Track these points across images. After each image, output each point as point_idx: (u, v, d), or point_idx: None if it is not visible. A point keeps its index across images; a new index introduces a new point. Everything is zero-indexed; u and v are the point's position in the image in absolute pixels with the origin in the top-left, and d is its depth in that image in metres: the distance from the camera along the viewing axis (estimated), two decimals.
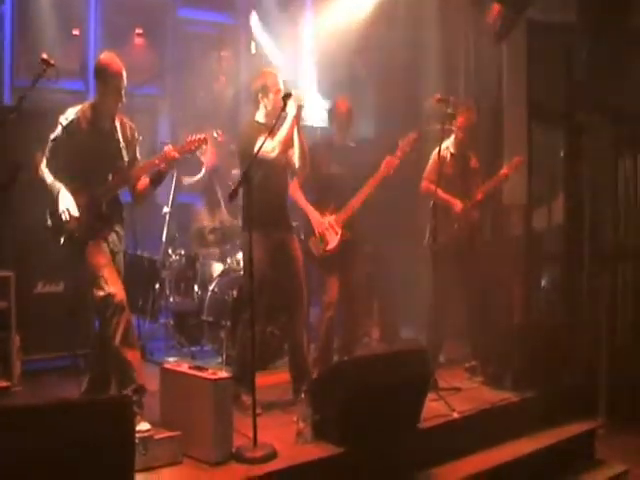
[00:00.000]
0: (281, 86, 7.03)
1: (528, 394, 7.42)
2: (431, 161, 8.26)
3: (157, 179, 6.52)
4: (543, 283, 9.68)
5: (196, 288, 8.95)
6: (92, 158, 6.26)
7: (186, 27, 10.57)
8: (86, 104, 6.40)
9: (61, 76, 6.07)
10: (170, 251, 9.12)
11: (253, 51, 9.91)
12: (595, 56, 8.74)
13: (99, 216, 6.28)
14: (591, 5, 8.70)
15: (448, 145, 8.32)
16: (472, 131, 8.39)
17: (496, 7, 9.14)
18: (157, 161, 6.36)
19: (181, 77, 10.05)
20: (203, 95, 10.40)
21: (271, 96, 7.02)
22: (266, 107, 7.07)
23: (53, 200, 6.25)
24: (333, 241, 7.65)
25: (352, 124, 8.04)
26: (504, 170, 8.37)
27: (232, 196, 5.90)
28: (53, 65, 5.90)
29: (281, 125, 6.82)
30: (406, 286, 9.74)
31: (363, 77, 10.40)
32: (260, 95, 7.10)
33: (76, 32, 9.66)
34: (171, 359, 7.94)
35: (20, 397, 7.04)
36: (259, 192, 6.43)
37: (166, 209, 9.04)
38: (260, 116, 7.12)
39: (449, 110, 7.79)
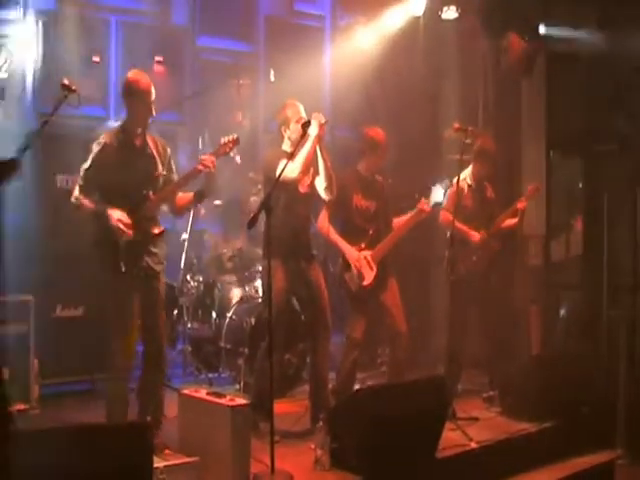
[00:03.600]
0: (303, 114, 7.08)
1: (546, 424, 7.42)
2: (449, 192, 8.23)
3: (200, 195, 6.61)
4: (562, 313, 9.68)
5: (214, 315, 8.98)
6: (128, 176, 6.34)
7: (205, 55, 10.60)
8: (114, 127, 6.54)
9: (82, 102, 6.14)
10: (188, 277, 9.13)
11: (272, 79, 9.92)
12: (614, 86, 8.76)
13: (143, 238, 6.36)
14: (611, 36, 8.73)
15: (466, 176, 8.34)
16: (489, 161, 8.40)
17: (516, 41, 9.17)
18: (196, 169, 6.43)
19: (200, 104, 10.05)
20: (222, 122, 10.41)
21: (292, 126, 7.08)
22: (290, 137, 7.15)
23: (97, 229, 6.30)
24: (369, 277, 7.57)
25: (385, 158, 7.95)
26: (519, 204, 8.38)
27: (251, 223, 5.92)
28: (74, 91, 5.98)
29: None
30: (424, 316, 9.75)
31: (380, 107, 10.40)
32: (283, 127, 7.20)
33: (97, 59, 9.69)
34: (189, 385, 7.98)
35: (38, 420, 7.11)
36: (280, 219, 6.54)
37: (185, 235, 9.05)
38: (286, 146, 7.18)
39: (467, 140, 7.84)
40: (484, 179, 8.49)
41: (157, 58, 10.16)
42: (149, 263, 6.41)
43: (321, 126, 6.83)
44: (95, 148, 6.40)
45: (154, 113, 6.42)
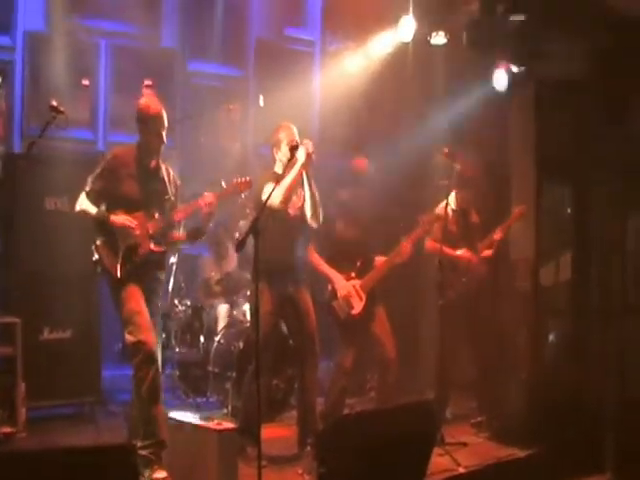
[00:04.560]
0: (296, 138, 7.09)
1: (534, 449, 7.41)
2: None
3: (194, 234, 6.75)
4: (551, 338, 9.66)
5: (202, 339, 8.94)
6: (138, 191, 6.44)
7: (195, 79, 10.61)
8: (132, 145, 6.61)
9: (70, 125, 6.21)
10: (176, 301, 9.15)
11: (261, 104, 9.92)
12: (604, 113, 8.78)
13: (145, 255, 6.42)
14: (601, 63, 8.75)
15: (450, 201, 8.30)
16: (470, 186, 8.40)
17: (503, 63, 9.20)
18: (197, 203, 6.51)
19: (190, 129, 10.08)
20: (212, 147, 10.42)
21: (284, 148, 7.10)
22: (281, 160, 7.18)
23: (99, 233, 6.39)
24: (358, 306, 7.59)
25: (370, 188, 8.00)
26: (496, 235, 8.38)
27: (240, 246, 5.92)
28: (63, 112, 6.08)
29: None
30: (413, 341, 9.73)
31: (371, 131, 10.43)
32: (275, 149, 7.24)
33: (86, 82, 9.69)
34: (176, 410, 7.95)
35: (25, 444, 7.09)
36: (269, 243, 6.48)
37: (173, 259, 9.04)
38: (277, 168, 7.21)
39: (455, 165, 7.86)
40: (467, 204, 8.48)
41: (146, 82, 10.16)
42: (151, 275, 6.54)
43: (308, 155, 6.84)
44: (107, 156, 6.54)
45: (164, 141, 6.51)
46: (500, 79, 9.17)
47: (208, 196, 6.46)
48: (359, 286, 7.62)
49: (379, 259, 7.80)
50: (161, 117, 6.46)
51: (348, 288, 7.59)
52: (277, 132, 7.24)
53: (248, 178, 6.68)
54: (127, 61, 10.03)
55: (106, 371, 8.58)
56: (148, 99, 6.64)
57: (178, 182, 6.77)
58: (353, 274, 7.65)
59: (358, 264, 7.68)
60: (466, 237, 8.39)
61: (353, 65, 10.51)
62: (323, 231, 7.49)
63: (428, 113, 10.09)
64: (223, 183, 7.35)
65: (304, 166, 6.88)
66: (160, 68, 10.23)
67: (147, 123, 6.46)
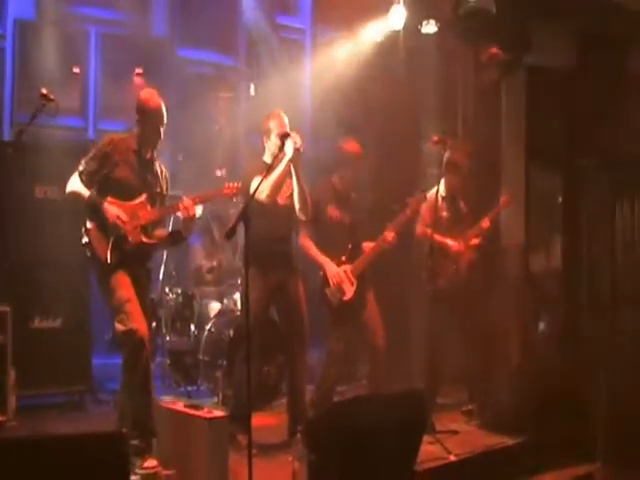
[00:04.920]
0: (286, 126, 7.07)
1: (525, 438, 7.41)
2: (425, 205, 8.19)
3: (175, 237, 6.72)
4: (541, 327, 9.67)
5: (192, 327, 8.97)
6: (132, 179, 6.45)
7: (186, 67, 10.62)
8: (129, 133, 6.59)
9: (60, 112, 6.18)
10: (167, 290, 9.16)
11: (252, 93, 9.92)
12: (594, 101, 8.79)
13: (135, 245, 6.39)
14: (591, 50, 8.76)
15: (439, 189, 8.27)
16: (459, 173, 8.39)
17: (493, 50, 9.19)
18: (177, 205, 6.47)
19: (181, 117, 10.01)
20: (203, 135, 10.39)
21: (273, 137, 7.09)
22: (269, 148, 7.17)
23: (90, 216, 6.34)
24: (350, 291, 7.58)
25: (359, 171, 7.99)
26: (484, 223, 8.38)
27: (230, 234, 5.80)
28: (53, 100, 6.07)
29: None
30: (403, 329, 9.70)
31: (362, 119, 10.41)
32: (264, 137, 7.21)
33: (76, 70, 9.71)
34: (167, 398, 7.93)
35: (15, 432, 7.06)
36: (260, 231, 6.47)
37: None
38: (267, 157, 7.20)
39: (446, 153, 7.84)
40: (456, 191, 8.49)
41: (137, 70, 10.16)
42: (140, 265, 6.52)
43: (297, 149, 6.80)
44: (103, 140, 6.51)
45: (162, 137, 6.52)
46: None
47: (186, 201, 6.42)
48: (350, 271, 7.61)
49: (367, 245, 7.79)
50: (161, 112, 6.47)
51: (340, 274, 7.57)
52: (267, 120, 7.20)
53: (238, 183, 6.66)
54: (117, 49, 10.07)
55: (96, 360, 8.57)
56: (149, 92, 6.59)
57: (169, 179, 6.76)
58: (344, 258, 7.64)
59: (349, 247, 7.68)
60: (456, 224, 8.41)
61: (344, 53, 10.51)
62: (314, 215, 7.46)
63: (419, 101, 10.09)
64: (219, 172, 7.34)
65: (292, 161, 6.86)
66: (150, 56, 10.27)
67: (147, 116, 6.45)
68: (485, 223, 8.36)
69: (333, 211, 7.74)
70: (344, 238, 7.70)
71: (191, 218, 6.46)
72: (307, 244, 7.67)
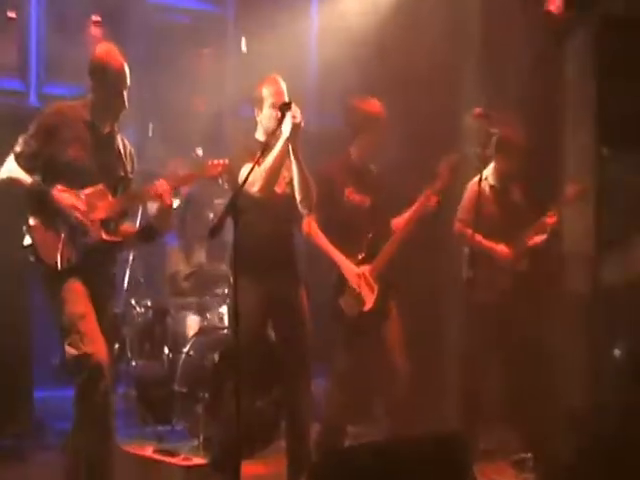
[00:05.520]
0: (284, 96, 7.17)
1: None
2: (466, 196, 8.37)
3: (146, 233, 6.82)
4: (615, 354, 9.70)
5: (166, 350, 9.01)
6: (85, 160, 6.47)
7: (157, 15, 10.63)
8: (81, 101, 6.64)
9: None
10: (133, 302, 9.25)
11: (244, 49, 9.95)
12: None
13: (94, 244, 6.43)
14: None
15: (487, 176, 8.37)
16: (515, 156, 8.42)
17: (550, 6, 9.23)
18: (147, 190, 6.57)
19: (149, 79, 9.91)
20: (178, 104, 10.41)
21: (267, 109, 7.20)
22: (262, 123, 7.27)
23: (33, 210, 6.36)
24: (370, 299, 7.67)
25: (382, 139, 7.96)
26: (549, 218, 8.43)
27: (214, 231, 5.87)
28: None
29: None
30: (433, 352, 9.74)
31: (383, 86, 10.39)
32: (256, 109, 7.29)
33: (12, 15, 9.68)
34: (132, 441, 8.01)
35: None
36: (253, 227, 6.69)
37: None
38: (259, 134, 7.31)
39: (492, 130, 7.95)
40: (510, 179, 8.56)
41: (94, 17, 10.11)
42: (100, 270, 6.58)
43: (295, 125, 6.82)
44: (47, 111, 6.56)
45: (125, 104, 6.57)
46: None
47: (161, 184, 6.50)
48: (369, 272, 7.69)
49: (397, 220, 7.91)
50: (123, 73, 6.52)
51: (359, 276, 7.66)
52: (260, 87, 7.28)
53: (225, 160, 6.78)
54: None
55: (39, 392, 8.69)
56: (108, 47, 6.66)
57: (135, 159, 6.85)
58: (362, 254, 7.73)
59: (369, 237, 7.77)
60: (507, 222, 8.43)
61: (359, 2, 10.59)
62: (327, 198, 7.58)
63: (454, 64, 10.18)
64: (199, 151, 7.40)
65: (290, 139, 6.91)
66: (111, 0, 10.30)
67: (104, 79, 6.49)
68: (551, 218, 8.41)
69: (352, 194, 7.82)
70: (364, 225, 7.78)
71: (168, 208, 6.54)
72: (316, 234, 7.71)
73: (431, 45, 10.10)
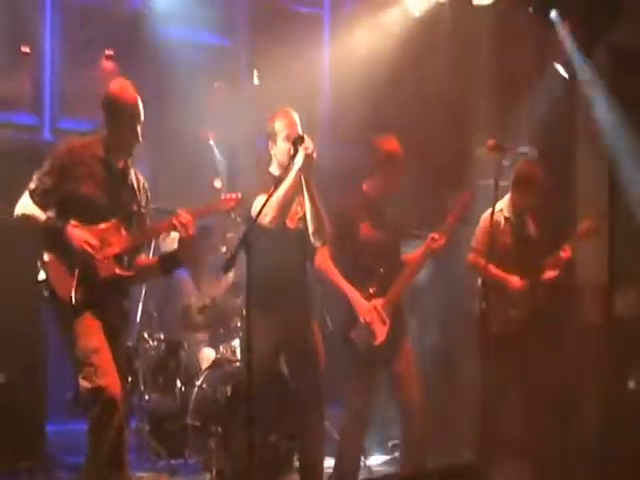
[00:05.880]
0: (298, 128, 7.17)
1: None
2: (480, 227, 8.37)
3: (169, 263, 6.78)
4: (630, 386, 9.65)
5: (179, 383, 9.08)
6: (100, 196, 6.49)
7: (170, 50, 10.52)
8: (94, 137, 6.66)
9: (7, 106, 6.20)
10: (146, 335, 9.22)
11: (256, 81, 9.95)
12: None
13: (108, 279, 6.44)
14: None
15: (502, 207, 8.40)
16: (532, 190, 8.41)
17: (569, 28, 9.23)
18: (170, 223, 6.53)
19: (163, 113, 9.89)
20: (189, 139, 10.40)
21: (281, 143, 7.17)
22: (276, 156, 7.26)
23: (48, 246, 6.38)
24: (382, 333, 7.61)
25: (399, 178, 7.95)
26: (564, 252, 8.41)
27: (228, 266, 6.01)
28: None
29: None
30: (447, 385, 9.79)
31: (393, 118, 10.39)
32: (270, 143, 7.28)
33: (26, 49, 9.69)
34: (145, 475, 8.01)
35: None
36: (266, 261, 6.63)
37: None
38: (273, 167, 7.32)
39: (505, 162, 7.95)
40: (525, 211, 8.57)
41: (107, 52, 10.10)
42: (114, 304, 6.59)
43: (307, 156, 6.79)
44: (61, 148, 6.56)
45: (139, 139, 6.60)
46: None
47: (184, 215, 6.49)
48: (381, 306, 7.66)
49: (408, 256, 7.91)
50: (137, 108, 6.57)
51: (371, 311, 7.62)
52: (272, 121, 7.27)
53: (239, 195, 6.75)
54: (81, 23, 10.08)
55: (52, 426, 8.66)
56: (121, 82, 6.69)
57: (149, 192, 6.86)
58: (373, 289, 7.70)
59: (381, 271, 7.74)
60: (521, 254, 8.44)
61: (374, 32, 10.61)
62: (342, 232, 7.56)
63: (467, 94, 10.17)
64: (217, 183, 7.38)
65: (302, 171, 6.89)
66: (125, 34, 10.31)
67: (119, 115, 6.53)
68: (566, 252, 8.39)
69: (367, 229, 7.78)
70: (377, 260, 7.75)
71: (190, 238, 6.52)
72: (328, 267, 7.69)
73: (443, 76, 10.14)
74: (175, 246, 6.73)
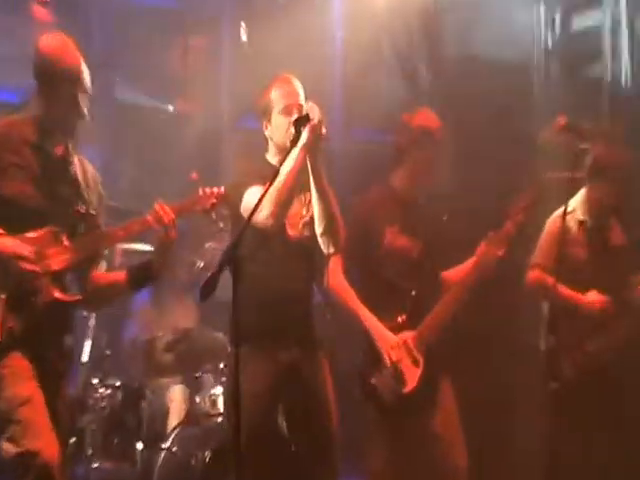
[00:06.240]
0: (300, 99, 6.96)
1: None
2: (545, 235, 8.26)
3: (141, 276, 6.63)
4: None
5: (140, 445, 8.88)
6: (34, 197, 6.30)
7: None
8: (22, 117, 6.52)
9: None
10: (95, 381, 9.06)
11: (244, 39, 9.93)
12: None
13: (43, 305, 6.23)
14: None
15: (575, 207, 8.28)
16: (614, 183, 8.29)
17: None
18: (145, 220, 6.38)
19: (118, 79, 9.96)
20: (156, 115, 10.36)
21: (277, 117, 7.00)
22: (272, 139, 7.08)
23: None
24: (413, 378, 7.49)
25: (438, 162, 7.81)
26: None
27: (208, 288, 5.57)
28: None
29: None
30: (500, 445, 9.75)
31: (430, 90, 10.38)
32: (264, 120, 7.09)
33: None
34: None
35: None
36: (259, 282, 6.59)
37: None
38: (271, 155, 7.13)
39: (582, 145, 7.72)
40: (607, 211, 8.44)
41: None
42: (51, 341, 6.38)
43: (313, 127, 6.53)
44: None
45: (84, 114, 6.40)
46: None
47: (165, 211, 6.33)
48: (412, 340, 7.52)
49: (449, 274, 7.79)
50: (79, 73, 6.37)
51: (398, 347, 7.48)
52: (268, 90, 7.10)
53: (221, 189, 6.54)
54: None
55: None
56: (54, 40, 6.46)
57: (100, 187, 6.70)
58: (401, 318, 7.57)
59: (413, 294, 7.61)
60: (602, 269, 8.27)
61: None
62: (359, 241, 7.45)
63: (528, 63, 10.10)
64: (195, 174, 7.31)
65: (307, 149, 6.62)
66: None
67: (55, 81, 6.33)
68: None
69: (394, 235, 7.67)
70: (406, 282, 7.64)
71: (170, 242, 6.41)
72: (342, 286, 7.61)
73: (497, 43, 10.11)
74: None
